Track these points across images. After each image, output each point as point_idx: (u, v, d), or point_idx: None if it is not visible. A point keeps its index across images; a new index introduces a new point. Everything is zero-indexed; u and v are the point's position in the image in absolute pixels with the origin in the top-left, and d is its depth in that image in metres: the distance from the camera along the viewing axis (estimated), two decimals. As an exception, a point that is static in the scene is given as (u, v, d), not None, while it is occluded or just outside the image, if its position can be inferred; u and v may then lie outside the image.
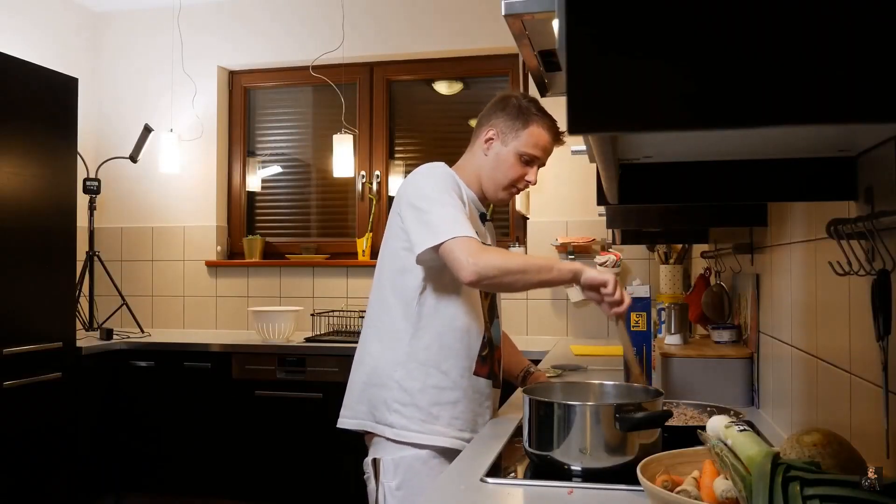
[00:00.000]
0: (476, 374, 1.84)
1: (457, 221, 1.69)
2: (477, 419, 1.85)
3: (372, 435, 1.82)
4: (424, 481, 1.71)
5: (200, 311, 4.47)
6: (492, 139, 1.87)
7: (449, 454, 1.74)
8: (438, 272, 1.76)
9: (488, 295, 1.91)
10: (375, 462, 1.79)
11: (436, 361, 1.78)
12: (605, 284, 1.65)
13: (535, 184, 1.92)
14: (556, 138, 1.91)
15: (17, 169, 3.18)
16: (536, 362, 3.04)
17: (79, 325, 3.92)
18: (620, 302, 1.66)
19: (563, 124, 0.62)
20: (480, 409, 1.86)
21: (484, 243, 1.88)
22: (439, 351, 1.79)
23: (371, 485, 1.81)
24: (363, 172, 4.36)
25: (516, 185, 1.88)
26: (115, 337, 3.90)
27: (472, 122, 2.04)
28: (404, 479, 1.75)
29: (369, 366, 1.83)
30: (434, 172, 1.80)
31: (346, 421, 1.87)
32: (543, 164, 1.92)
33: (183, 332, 4.28)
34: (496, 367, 1.93)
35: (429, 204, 1.73)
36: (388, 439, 1.78)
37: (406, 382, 1.78)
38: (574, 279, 1.68)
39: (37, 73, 3.32)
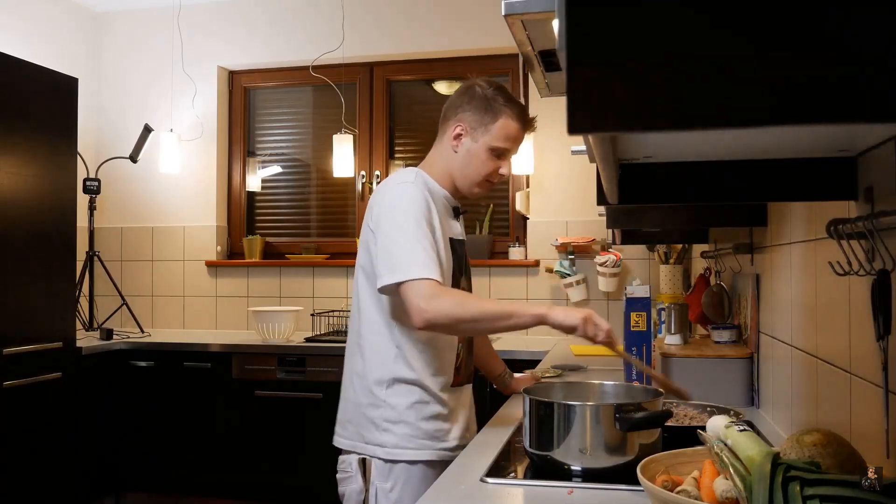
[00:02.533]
0: (454, 385, 1.84)
1: (419, 261, 1.64)
2: (461, 424, 1.85)
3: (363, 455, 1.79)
4: (419, 484, 1.70)
5: (200, 311, 4.47)
6: (461, 135, 1.80)
7: (440, 464, 1.73)
8: None
9: None
10: (364, 462, 1.77)
11: (419, 379, 1.77)
12: (573, 329, 1.61)
13: (509, 175, 1.86)
14: (526, 125, 1.83)
15: (17, 169, 3.18)
16: (536, 362, 3.05)
17: (79, 325, 3.92)
18: (598, 332, 1.61)
19: (563, 124, 0.61)
20: (463, 413, 1.87)
21: (457, 239, 1.85)
22: (422, 368, 1.77)
23: (354, 485, 1.78)
24: (363, 172, 4.36)
25: (490, 179, 1.83)
26: (115, 337, 3.90)
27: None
28: (397, 480, 1.74)
29: (357, 385, 1.82)
30: (405, 197, 1.73)
31: (340, 440, 1.85)
32: (516, 153, 1.87)
33: (183, 332, 4.28)
34: (469, 368, 1.93)
35: (399, 235, 1.68)
36: (380, 459, 1.75)
37: (393, 399, 1.76)
38: (539, 323, 1.64)
39: (37, 73, 3.32)
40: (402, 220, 1.69)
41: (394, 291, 1.69)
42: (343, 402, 1.87)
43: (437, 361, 1.79)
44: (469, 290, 1.93)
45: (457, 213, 1.89)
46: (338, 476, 1.84)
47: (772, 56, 0.59)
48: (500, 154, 1.81)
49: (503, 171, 1.83)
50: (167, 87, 4.50)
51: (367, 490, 1.76)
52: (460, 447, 1.74)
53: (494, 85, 1.82)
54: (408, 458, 1.75)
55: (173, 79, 4.49)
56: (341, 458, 1.83)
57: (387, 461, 1.75)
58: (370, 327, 1.79)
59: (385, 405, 1.76)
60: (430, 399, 1.78)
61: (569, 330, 1.62)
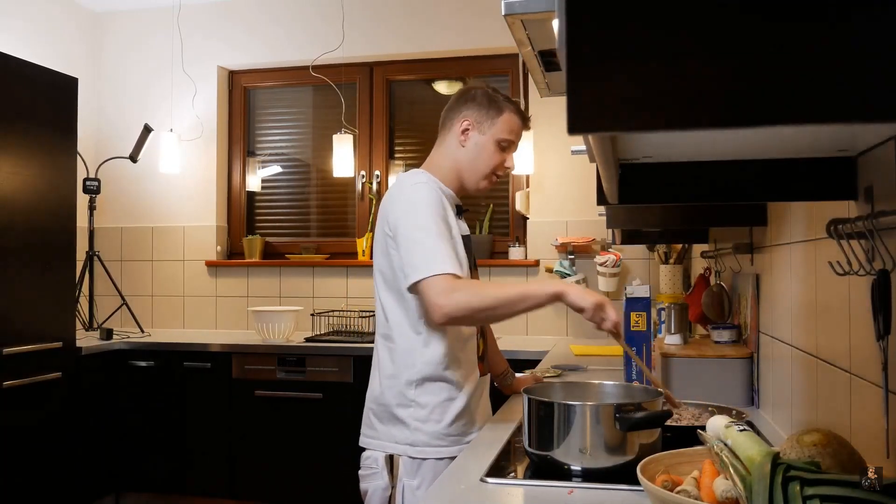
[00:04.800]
0: (481, 376, 1.91)
1: (436, 257, 1.67)
2: (483, 414, 1.91)
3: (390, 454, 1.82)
4: None
5: (200, 311, 4.47)
6: (468, 129, 1.86)
7: None
8: None
9: None
10: (392, 458, 1.79)
11: (448, 375, 1.80)
12: (582, 310, 1.63)
13: (514, 169, 1.94)
14: (525, 123, 1.92)
15: (17, 169, 3.18)
16: (536, 362, 3.05)
17: (79, 325, 3.92)
18: (604, 321, 1.63)
19: (563, 124, 0.62)
20: (484, 404, 1.94)
21: (465, 236, 1.89)
22: (450, 365, 1.81)
23: (380, 481, 1.80)
24: (363, 172, 4.36)
25: (497, 172, 1.89)
26: (115, 337, 3.90)
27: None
28: (424, 477, 1.76)
29: (385, 385, 1.84)
30: (422, 196, 1.76)
31: (368, 441, 1.87)
32: (516, 150, 1.94)
33: (183, 332, 4.28)
34: (487, 357, 1.98)
35: (418, 234, 1.71)
36: (410, 458, 1.78)
37: (422, 399, 1.79)
38: (555, 300, 1.66)
39: (37, 73, 3.32)
40: (421, 219, 1.73)
41: (416, 290, 1.72)
42: (369, 402, 1.89)
43: (463, 356, 1.84)
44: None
45: (460, 211, 1.93)
46: (360, 472, 1.86)
47: (771, 56, 0.59)
48: (506, 147, 1.87)
49: (508, 163, 1.90)
50: (167, 87, 4.50)
51: (392, 486, 1.78)
52: None
53: (491, 87, 1.92)
54: (436, 456, 1.78)
55: (173, 79, 4.49)
56: (365, 454, 1.86)
57: (415, 458, 1.78)
58: (397, 329, 1.82)
59: (415, 404, 1.79)
60: (458, 395, 1.81)
61: (579, 310, 1.64)
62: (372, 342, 2.16)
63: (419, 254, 1.69)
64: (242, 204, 4.59)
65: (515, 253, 4.07)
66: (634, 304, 2.12)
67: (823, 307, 1.37)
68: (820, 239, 1.36)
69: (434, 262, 1.67)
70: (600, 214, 2.31)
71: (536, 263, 4.03)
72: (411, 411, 1.79)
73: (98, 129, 4.59)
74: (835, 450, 0.95)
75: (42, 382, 3.26)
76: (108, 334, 3.87)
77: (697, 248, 3.32)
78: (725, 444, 1.01)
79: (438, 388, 1.80)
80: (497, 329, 4.07)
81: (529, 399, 1.46)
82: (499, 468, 1.45)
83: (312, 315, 4.00)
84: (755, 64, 0.59)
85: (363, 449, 1.88)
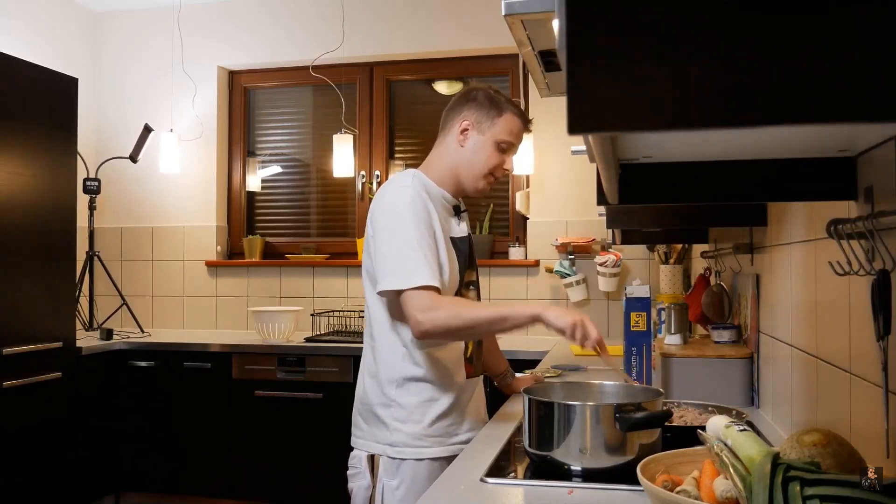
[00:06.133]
0: (468, 377, 1.88)
1: (417, 268, 1.68)
2: (473, 417, 1.88)
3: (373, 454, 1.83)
4: (426, 482, 1.71)
5: (200, 311, 4.47)
6: (467, 129, 1.85)
7: (452, 459, 1.75)
8: None
9: (471, 289, 1.93)
10: (373, 458, 1.80)
11: (430, 376, 1.80)
12: (562, 332, 1.64)
13: (511, 171, 1.93)
14: (526, 126, 1.90)
15: (17, 169, 3.18)
16: (536, 362, 3.05)
17: (79, 325, 3.91)
18: (586, 339, 1.64)
19: (563, 124, 0.62)
20: (475, 405, 1.91)
21: (459, 237, 1.88)
22: (432, 365, 1.80)
23: (363, 481, 1.80)
24: (363, 172, 4.36)
25: (494, 173, 1.88)
26: (115, 337, 3.90)
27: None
28: (404, 478, 1.76)
29: (369, 384, 1.85)
30: (402, 200, 1.76)
31: (356, 440, 1.88)
32: (516, 152, 1.92)
33: (183, 332, 4.28)
34: (479, 359, 1.96)
35: (397, 240, 1.71)
36: (390, 458, 1.78)
37: (403, 399, 1.79)
38: (534, 322, 1.67)
39: (37, 73, 3.32)
40: (401, 224, 1.73)
41: (393, 296, 1.73)
42: (356, 401, 1.90)
43: (447, 357, 1.82)
44: (477, 281, 1.97)
45: (457, 211, 1.92)
46: (348, 472, 1.87)
47: (772, 56, 0.59)
48: (505, 149, 1.86)
49: (507, 165, 1.88)
50: (167, 87, 4.50)
51: (374, 486, 1.79)
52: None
53: (493, 88, 1.90)
54: (415, 457, 1.77)
55: (173, 79, 4.49)
56: (352, 454, 1.87)
57: (394, 459, 1.77)
58: (379, 329, 1.83)
59: (395, 405, 1.79)
60: (441, 395, 1.80)
61: (559, 332, 1.65)
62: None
63: (398, 261, 1.70)
64: (242, 204, 4.59)
65: (515, 253, 4.07)
66: (634, 304, 2.12)
67: (823, 307, 1.37)
68: (820, 239, 1.36)
69: (414, 274, 1.67)
70: (600, 214, 2.31)
71: (536, 263, 4.03)
72: (392, 411, 1.79)
73: (98, 129, 4.59)
74: (835, 450, 0.95)
75: (42, 382, 3.26)
76: (108, 334, 3.86)
77: (697, 248, 3.32)
78: (725, 444, 1.01)
79: (419, 389, 1.79)
80: (497, 329, 4.08)
81: (529, 399, 1.46)
82: (499, 468, 1.45)
83: (312, 315, 4.00)
84: (755, 64, 0.59)
85: (350, 448, 1.89)
